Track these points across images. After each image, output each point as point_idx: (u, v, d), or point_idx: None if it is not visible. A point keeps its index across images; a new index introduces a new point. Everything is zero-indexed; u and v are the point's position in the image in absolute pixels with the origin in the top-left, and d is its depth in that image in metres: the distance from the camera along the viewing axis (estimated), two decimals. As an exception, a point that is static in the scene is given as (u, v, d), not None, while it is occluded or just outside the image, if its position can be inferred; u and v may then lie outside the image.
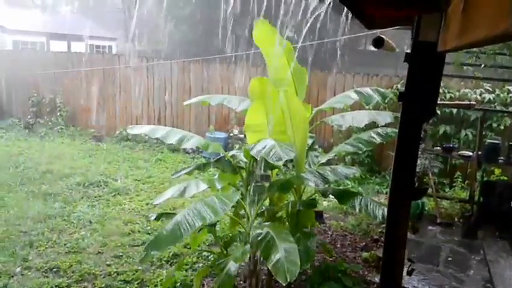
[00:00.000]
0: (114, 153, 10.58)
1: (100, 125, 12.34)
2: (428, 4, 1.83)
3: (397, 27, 3.48)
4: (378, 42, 2.85)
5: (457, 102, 8.46)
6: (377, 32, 4.08)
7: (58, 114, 12.64)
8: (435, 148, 7.66)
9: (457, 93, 8.85)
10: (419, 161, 6.34)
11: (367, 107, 5.84)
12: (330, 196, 4.69)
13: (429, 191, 7.00)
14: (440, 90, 7.90)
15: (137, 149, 11.11)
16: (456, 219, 6.97)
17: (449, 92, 8.85)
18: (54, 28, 23.15)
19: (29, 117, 12.81)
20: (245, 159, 4.27)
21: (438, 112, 8.54)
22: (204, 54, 11.47)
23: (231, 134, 10.56)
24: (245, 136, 9.44)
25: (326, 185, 4.20)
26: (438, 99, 7.07)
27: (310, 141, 4.99)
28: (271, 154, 3.43)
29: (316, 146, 7.11)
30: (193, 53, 13.15)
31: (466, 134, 8.61)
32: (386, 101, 5.48)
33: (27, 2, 38.64)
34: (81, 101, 12.61)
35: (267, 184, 4.27)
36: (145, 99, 11.89)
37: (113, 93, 12.25)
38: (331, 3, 2.50)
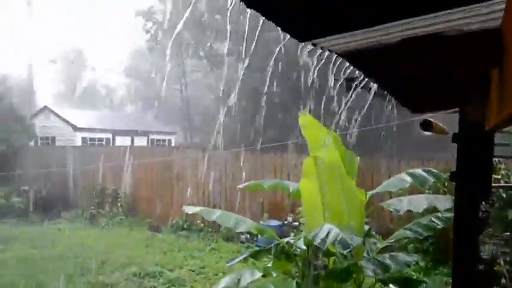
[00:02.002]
0: (170, 243, 10.68)
1: (157, 215, 12.66)
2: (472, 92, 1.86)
3: (444, 111, 3.48)
4: (426, 125, 2.85)
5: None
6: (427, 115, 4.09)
7: (119, 204, 13.17)
8: (505, 234, 7.13)
9: (523, 176, 8.39)
10: (486, 247, 5.91)
11: (426, 191, 5.66)
12: (391, 285, 4.42)
13: (503, 281, 6.41)
14: (503, 172, 7.55)
15: (191, 239, 11.18)
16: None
17: (513, 174, 8.41)
18: (119, 125, 24.96)
19: (92, 208, 13.43)
20: (301, 247, 4.18)
21: (504, 195, 8.06)
22: (257, 144, 11.81)
23: (285, 222, 10.43)
24: (299, 224, 9.32)
25: (386, 274, 3.98)
26: (502, 182, 6.68)
27: (366, 227, 4.84)
28: (336, 241, 3.29)
29: (374, 232, 6.86)
30: (247, 143, 13.57)
31: (537, 218, 7.99)
32: (446, 184, 5.30)
33: (97, 103, 42.32)
34: (140, 192, 13.15)
35: (323, 273, 4.12)
36: (200, 188, 12.19)
37: (171, 183, 12.69)
38: (375, 92, 2.57)
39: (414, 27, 1.37)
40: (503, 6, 1.13)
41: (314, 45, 1.51)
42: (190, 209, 4.77)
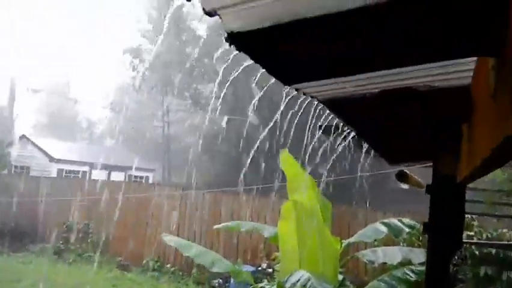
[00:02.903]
0: (138, 283, 10.36)
1: (129, 254, 12.30)
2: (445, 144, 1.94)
3: (419, 164, 3.58)
4: (402, 177, 2.92)
5: (494, 242, 8.11)
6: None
7: (89, 241, 12.78)
8: (477, 291, 7.16)
9: (494, 233, 8.52)
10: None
11: (401, 244, 5.70)
12: None
13: None
14: (476, 230, 7.67)
15: (161, 280, 10.86)
16: None
17: (485, 232, 8.54)
18: (97, 158, 24.62)
19: (60, 242, 12.98)
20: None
21: (477, 252, 8.15)
22: (235, 186, 11.78)
23: (259, 268, 10.26)
24: (273, 271, 9.17)
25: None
26: (475, 238, 6.79)
27: (340, 277, 4.82)
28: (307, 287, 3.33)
29: (348, 282, 6.81)
30: (225, 185, 13.53)
31: (509, 276, 8.06)
32: (421, 238, 5.36)
33: (77, 136, 41.88)
34: (112, 229, 12.80)
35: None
36: (175, 228, 11.98)
37: (145, 222, 12.44)
38: (351, 141, 2.65)
39: (390, 80, 1.46)
40: (472, 66, 1.22)
41: (297, 90, 1.58)
42: (169, 239, 4.70)
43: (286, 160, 4.42)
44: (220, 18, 1.14)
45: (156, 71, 26.62)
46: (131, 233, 12.51)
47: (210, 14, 1.13)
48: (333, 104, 1.69)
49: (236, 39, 1.14)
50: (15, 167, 20.43)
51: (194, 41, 27.87)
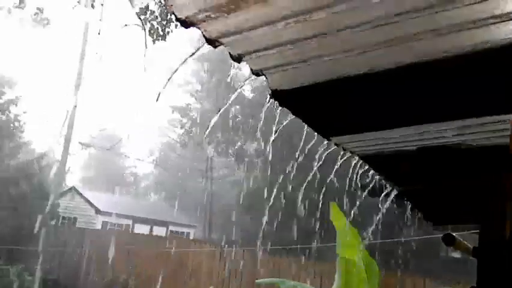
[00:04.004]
0: None
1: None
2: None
3: (464, 227, 3.45)
4: (449, 240, 2.83)
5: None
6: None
7: (128, 295, 12.78)
8: None
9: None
10: None
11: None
12: None
13: None
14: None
15: None
16: None
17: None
18: (140, 213, 25.10)
19: (100, 295, 13.05)
20: None
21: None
22: (276, 245, 11.62)
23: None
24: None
25: None
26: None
27: None
28: None
29: None
30: (266, 244, 13.36)
31: None
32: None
33: (122, 190, 43.10)
34: (152, 284, 12.78)
35: None
36: (213, 285, 11.81)
37: (184, 277, 12.36)
38: (394, 200, 2.63)
39: (428, 138, 1.49)
40: (508, 125, 1.25)
41: (337, 145, 1.64)
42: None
43: (335, 214, 4.31)
44: (266, 77, 1.25)
45: (202, 129, 27.48)
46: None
47: (257, 74, 1.24)
48: (373, 160, 1.73)
49: (279, 96, 1.25)
50: (63, 217, 21.12)
51: (239, 101, 28.78)
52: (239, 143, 26.54)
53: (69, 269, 14.57)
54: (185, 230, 27.25)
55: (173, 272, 12.61)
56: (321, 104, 1.26)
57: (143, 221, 24.06)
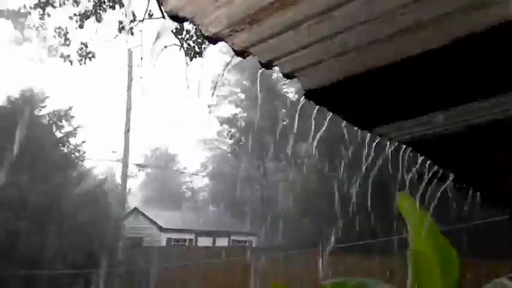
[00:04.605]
0: None
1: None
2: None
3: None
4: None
5: None
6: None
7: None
8: None
9: None
10: None
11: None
12: None
13: None
14: None
15: None
16: None
17: None
18: (201, 226, 25.60)
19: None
20: None
21: None
22: (339, 244, 11.48)
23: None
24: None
25: None
26: None
27: None
28: None
29: None
30: (328, 244, 13.24)
31: None
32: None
33: (182, 205, 44.17)
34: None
35: None
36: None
37: (251, 285, 12.48)
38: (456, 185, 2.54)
39: (476, 116, 1.45)
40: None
41: (380, 136, 1.63)
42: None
43: (406, 204, 4.12)
44: (298, 79, 1.28)
45: (252, 137, 27.74)
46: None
47: (289, 76, 1.27)
48: (421, 146, 1.70)
49: (314, 95, 1.27)
50: (130, 238, 21.93)
51: (284, 105, 28.83)
52: (289, 146, 26.54)
53: (138, 286, 15.12)
54: (247, 238, 27.49)
55: (239, 280, 12.77)
56: (357, 97, 1.27)
57: (206, 233, 24.52)
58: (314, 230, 19.63)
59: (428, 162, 2.19)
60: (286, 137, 26.39)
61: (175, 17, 0.91)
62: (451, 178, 2.45)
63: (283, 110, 29.47)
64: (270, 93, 28.05)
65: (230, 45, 1.07)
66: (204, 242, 23.01)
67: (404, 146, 1.87)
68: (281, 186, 30.67)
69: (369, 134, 1.64)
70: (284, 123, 29.12)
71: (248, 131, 28.73)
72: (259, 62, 1.14)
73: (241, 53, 1.08)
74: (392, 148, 1.94)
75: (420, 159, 2.05)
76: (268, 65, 1.14)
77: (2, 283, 10.63)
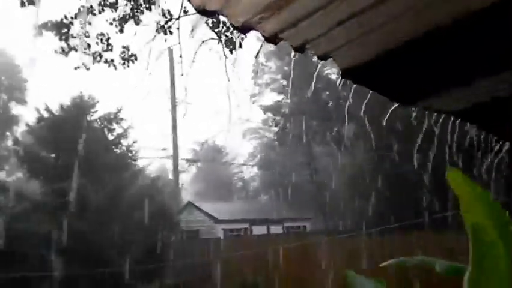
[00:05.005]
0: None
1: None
2: None
3: None
4: None
5: None
6: None
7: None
8: None
9: None
10: None
11: None
12: None
13: None
14: None
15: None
16: None
17: None
18: (255, 215, 25.90)
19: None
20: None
21: None
22: (392, 224, 11.29)
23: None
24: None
25: None
26: None
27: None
28: None
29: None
30: (382, 224, 13.04)
31: None
32: None
33: (234, 196, 44.87)
34: (280, 281, 13.11)
35: None
36: (337, 272, 11.79)
37: (309, 269, 12.52)
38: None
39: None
40: None
41: (426, 108, 1.58)
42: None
43: (457, 179, 3.98)
44: (333, 59, 1.26)
45: (297, 123, 27.61)
46: (299, 283, 12.66)
47: (322, 58, 1.26)
48: (469, 114, 1.62)
49: (350, 74, 1.25)
50: (186, 232, 22.54)
51: (327, 86, 28.42)
52: (335, 129, 26.20)
53: (203, 278, 15.51)
54: (300, 224, 27.54)
55: (297, 265, 12.83)
56: (396, 72, 1.23)
57: (260, 222, 24.77)
58: (366, 211, 19.36)
59: (480, 133, 2.10)
60: (332, 120, 26.07)
61: (203, 12, 0.92)
62: (505, 148, 2.34)
63: (327, 92, 29.08)
64: (312, 76, 27.71)
65: (261, 33, 1.07)
66: (259, 230, 23.26)
67: (453, 117, 1.80)
68: (331, 169, 30.42)
69: (413, 109, 1.59)
70: (329, 105, 28.80)
71: (293, 116, 28.59)
72: (292, 46, 1.13)
73: (272, 39, 1.07)
74: (440, 121, 1.88)
75: (470, 131, 1.97)
76: (300, 49, 1.13)
77: (70, 283, 11.25)
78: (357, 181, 19.51)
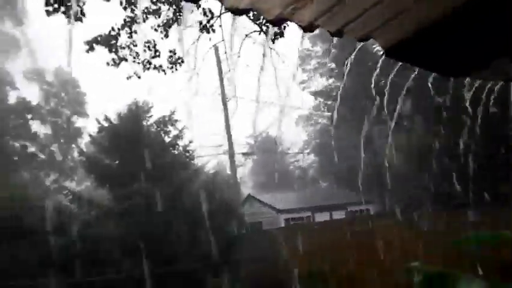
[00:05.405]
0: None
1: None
2: None
3: None
4: None
5: None
6: None
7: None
8: None
9: None
10: None
11: None
12: None
13: None
14: None
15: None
16: None
17: None
18: (316, 202, 25.80)
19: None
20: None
21: None
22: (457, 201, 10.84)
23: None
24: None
25: None
26: None
27: None
28: None
29: None
30: (447, 202, 12.57)
31: None
32: None
33: (292, 184, 44.87)
34: (346, 267, 12.98)
35: None
36: (406, 252, 11.50)
37: (377, 251, 12.30)
38: None
39: None
40: None
41: (481, 79, 1.50)
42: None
43: None
44: (374, 40, 1.23)
45: (349, 105, 27.10)
46: (369, 269, 12.48)
47: (363, 40, 1.23)
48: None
49: (393, 53, 1.21)
50: (250, 223, 22.85)
51: (378, 64, 27.63)
52: (390, 107, 25.45)
53: (270, 269, 15.67)
54: (363, 207, 27.10)
55: (365, 249, 12.64)
56: (442, 45, 1.18)
57: (322, 208, 24.66)
58: (430, 189, 18.70)
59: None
60: (383, 98, 25.32)
61: (236, 11, 0.93)
62: None
63: (378, 70, 28.26)
64: (361, 55, 27.03)
65: (296, 23, 1.06)
66: (321, 217, 23.16)
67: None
68: (390, 148, 29.57)
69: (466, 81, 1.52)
70: (381, 82, 27.92)
71: (345, 99, 28.07)
72: (329, 32, 1.12)
73: (308, 28, 1.06)
74: (495, 92, 1.79)
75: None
76: (338, 33, 1.11)
77: (144, 282, 11.78)
78: (417, 160, 18.88)
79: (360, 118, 28.94)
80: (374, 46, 29.26)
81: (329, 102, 31.35)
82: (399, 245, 11.51)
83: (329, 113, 32.00)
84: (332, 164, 37.49)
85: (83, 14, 7.29)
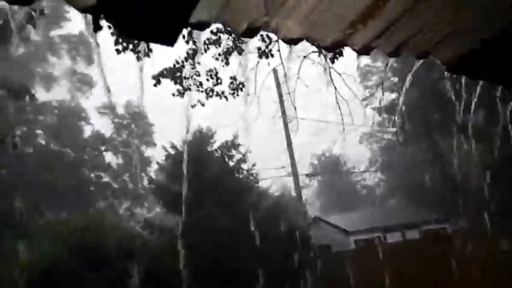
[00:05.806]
0: None
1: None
2: None
3: None
4: None
5: None
6: None
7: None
8: None
9: None
10: None
11: None
12: None
13: None
14: None
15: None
16: None
17: None
18: (387, 221, 24.89)
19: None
20: None
21: None
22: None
23: None
24: None
25: None
26: None
27: None
28: None
29: None
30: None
31: None
32: None
33: (360, 204, 43.76)
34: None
35: None
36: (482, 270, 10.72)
37: (451, 275, 11.60)
38: None
39: None
40: None
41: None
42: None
43: None
44: (434, 56, 1.21)
45: (414, 120, 26.17)
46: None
47: (421, 57, 1.22)
48: None
49: (453, 68, 1.19)
50: (318, 246, 22.39)
51: (444, 75, 26.60)
52: (458, 116, 24.24)
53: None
54: (439, 226, 25.69)
55: (445, 270, 11.97)
56: (498, 59, 1.14)
57: (393, 228, 23.69)
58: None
59: None
60: (453, 110, 24.22)
61: (290, 41, 0.96)
62: None
63: (443, 81, 27.16)
64: (424, 67, 26.17)
65: (351, 48, 1.07)
66: (393, 237, 22.23)
67: None
68: (462, 163, 28.13)
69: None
70: (448, 95, 26.83)
71: (410, 113, 27.17)
72: (385, 53, 1.12)
73: (364, 51, 1.07)
74: None
75: None
76: (394, 53, 1.11)
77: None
78: (497, 172, 17.72)
79: (427, 132, 27.87)
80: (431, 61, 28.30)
81: (394, 118, 30.47)
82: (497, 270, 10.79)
83: (394, 129, 31.07)
84: (400, 181, 36.19)
85: (150, 50, 7.71)
